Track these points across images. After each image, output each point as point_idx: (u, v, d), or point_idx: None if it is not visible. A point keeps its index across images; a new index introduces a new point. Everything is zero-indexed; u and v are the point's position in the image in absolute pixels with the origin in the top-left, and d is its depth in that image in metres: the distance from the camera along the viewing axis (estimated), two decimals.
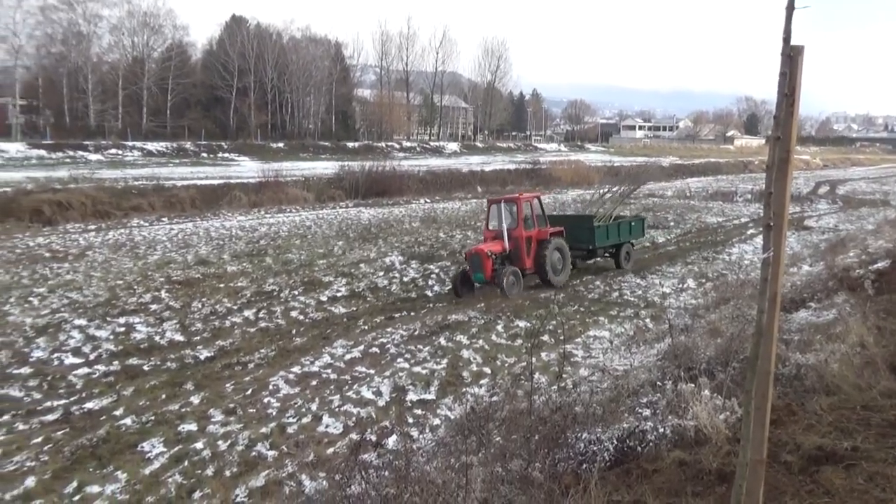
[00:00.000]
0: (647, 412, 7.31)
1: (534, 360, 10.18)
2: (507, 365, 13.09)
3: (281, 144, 77.84)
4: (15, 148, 56.49)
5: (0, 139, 62.84)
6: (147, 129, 75.11)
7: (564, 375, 10.86)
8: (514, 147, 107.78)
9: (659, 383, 8.40)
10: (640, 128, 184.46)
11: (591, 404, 7.81)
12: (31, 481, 8.74)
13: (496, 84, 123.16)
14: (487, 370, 12.79)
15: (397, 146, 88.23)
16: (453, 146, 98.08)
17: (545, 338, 14.61)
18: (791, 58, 3.57)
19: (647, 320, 16.11)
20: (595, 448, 6.40)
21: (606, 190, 26.37)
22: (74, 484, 8.70)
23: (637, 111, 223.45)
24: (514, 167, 65.72)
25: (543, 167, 64.53)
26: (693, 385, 7.23)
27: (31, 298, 18.17)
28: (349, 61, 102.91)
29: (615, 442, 6.49)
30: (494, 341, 14.67)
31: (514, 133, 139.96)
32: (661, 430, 6.55)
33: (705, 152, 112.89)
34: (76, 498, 8.42)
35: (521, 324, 15.99)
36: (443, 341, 14.63)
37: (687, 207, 42.22)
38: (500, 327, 15.77)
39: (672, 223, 34.58)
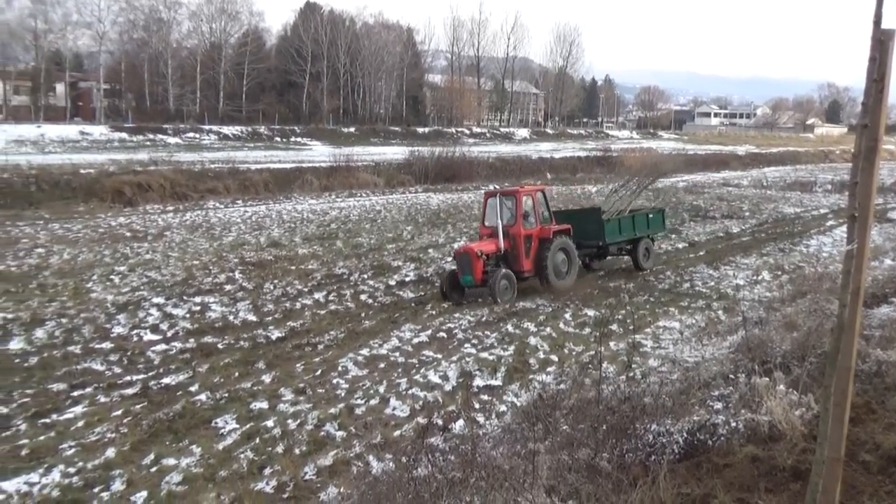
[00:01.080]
0: (718, 405, 7.17)
1: (602, 349, 10.07)
2: (574, 353, 12.98)
3: (352, 129, 78.66)
4: (99, 131, 58.61)
5: (85, 122, 65.42)
6: (223, 113, 76.94)
7: (633, 365, 10.71)
8: (585, 134, 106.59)
9: (731, 376, 8.21)
10: (716, 115, 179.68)
11: (661, 396, 7.69)
12: (111, 452, 9.10)
13: (568, 70, 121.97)
14: (555, 358, 12.71)
15: (467, 132, 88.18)
16: (523, 132, 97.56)
17: (614, 327, 14.45)
18: (881, 42, 3.44)
19: (720, 312, 15.72)
20: (664, 440, 6.30)
21: (622, 184, 23.84)
22: (152, 456, 9.03)
23: (712, 98, 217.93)
24: (584, 154, 65.00)
25: (614, 155, 63.50)
26: (767, 379, 7.05)
27: (112, 276, 18.87)
28: (420, 47, 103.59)
29: (685, 435, 6.37)
30: (562, 329, 14.56)
31: (585, 119, 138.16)
32: (734, 424, 6.41)
33: (784, 141, 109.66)
34: (153, 469, 8.73)
35: (590, 312, 15.83)
36: (510, 328, 14.60)
37: (763, 197, 41.01)
38: (567, 315, 15.64)
39: (747, 213, 33.68)
